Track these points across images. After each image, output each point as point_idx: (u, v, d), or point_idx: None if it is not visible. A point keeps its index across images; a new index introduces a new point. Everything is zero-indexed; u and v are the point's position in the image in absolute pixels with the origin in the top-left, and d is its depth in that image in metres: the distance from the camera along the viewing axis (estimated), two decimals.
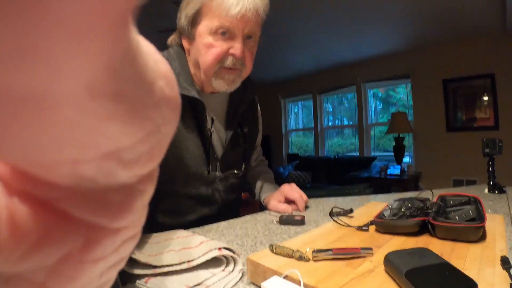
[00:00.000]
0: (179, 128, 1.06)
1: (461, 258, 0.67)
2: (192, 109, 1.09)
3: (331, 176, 6.60)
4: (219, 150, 1.20)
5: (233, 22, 0.98)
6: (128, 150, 0.14)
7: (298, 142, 8.76)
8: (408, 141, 6.05)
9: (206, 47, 1.01)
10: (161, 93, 0.14)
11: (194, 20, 1.02)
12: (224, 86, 1.08)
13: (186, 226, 1.03)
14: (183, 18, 1.03)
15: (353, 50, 6.24)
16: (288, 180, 6.86)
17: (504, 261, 0.63)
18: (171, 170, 1.09)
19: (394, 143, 5.68)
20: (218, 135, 1.21)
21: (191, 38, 1.05)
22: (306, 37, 5.87)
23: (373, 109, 7.07)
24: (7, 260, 0.13)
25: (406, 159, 6.11)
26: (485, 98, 5.08)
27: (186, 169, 1.11)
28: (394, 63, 6.14)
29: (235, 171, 1.24)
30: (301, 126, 8.82)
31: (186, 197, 1.15)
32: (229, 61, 1.03)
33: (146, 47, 0.14)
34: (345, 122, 7.84)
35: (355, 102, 7.04)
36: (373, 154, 6.83)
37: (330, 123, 8.06)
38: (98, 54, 0.10)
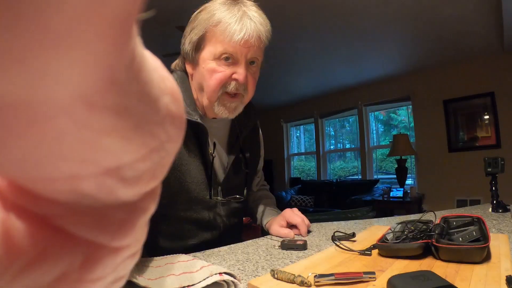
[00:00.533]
0: (181, 152, 1.06)
1: (466, 279, 0.66)
2: (194, 134, 1.10)
3: (333, 200, 6.56)
4: (220, 174, 1.20)
5: (236, 48, 1.00)
6: (130, 167, 0.13)
7: (300, 166, 8.75)
8: (410, 163, 6.04)
9: (210, 72, 1.01)
10: (166, 110, 0.14)
11: (198, 46, 1.03)
12: (226, 113, 1.08)
13: (187, 250, 1.02)
14: (187, 44, 1.05)
15: (354, 74, 6.30)
16: (290, 204, 6.83)
17: (509, 281, 0.62)
18: (173, 193, 1.08)
19: (396, 165, 5.66)
20: (220, 160, 1.20)
21: (195, 63, 1.06)
22: (307, 61, 5.94)
23: (374, 131, 7.08)
24: (1, 278, 0.12)
25: (409, 181, 6.08)
26: (486, 116, 5.09)
27: (188, 193, 1.10)
28: (394, 86, 6.19)
29: (237, 196, 1.22)
30: (303, 150, 8.82)
31: (187, 221, 1.14)
32: (232, 86, 1.04)
33: (152, 62, 0.14)
34: (347, 146, 7.84)
35: (356, 125, 7.06)
36: (375, 177, 6.80)
37: (332, 147, 8.06)
38: (96, 65, 0.10)
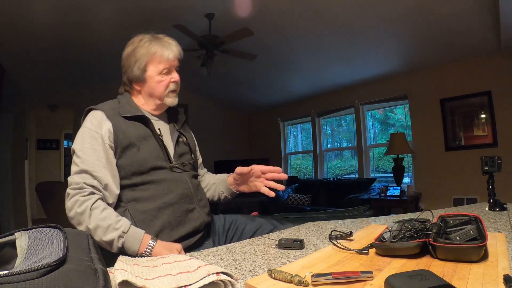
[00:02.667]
0: (136, 137, 1.46)
1: (463, 279, 0.66)
2: (143, 123, 1.52)
3: (330, 199, 6.56)
4: (170, 148, 1.58)
5: (170, 63, 1.55)
6: None
7: (297, 164, 8.75)
8: (407, 161, 6.04)
9: (158, 83, 1.54)
10: None
11: (144, 69, 1.53)
12: (172, 101, 1.60)
13: (170, 206, 1.43)
14: (136, 70, 1.53)
15: (351, 73, 6.31)
16: (287, 203, 6.83)
17: (507, 279, 0.62)
18: (138, 165, 1.43)
19: (393, 164, 5.66)
20: (167, 140, 1.60)
21: (143, 81, 1.55)
22: (303, 60, 5.95)
23: (371, 130, 7.09)
24: None
25: (406, 180, 6.09)
26: (483, 115, 5.10)
27: (148, 162, 1.45)
28: (391, 85, 6.19)
29: (187, 160, 1.63)
30: (300, 149, 8.83)
31: (158, 182, 1.45)
32: (172, 86, 1.58)
33: None
34: (344, 144, 7.85)
35: (353, 124, 7.06)
36: (372, 175, 6.81)
37: (329, 146, 8.06)
38: None
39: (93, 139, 1.40)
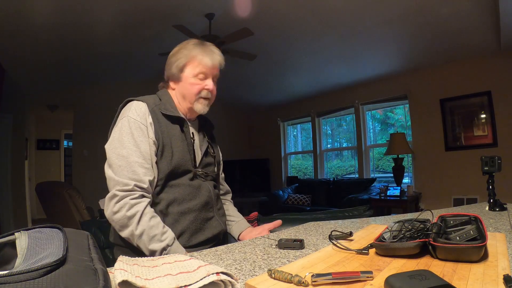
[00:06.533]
0: (173, 139, 1.47)
1: (463, 279, 0.66)
2: (179, 124, 1.54)
3: (330, 199, 6.56)
4: (198, 156, 1.61)
5: (208, 70, 1.55)
6: None
7: (297, 165, 8.75)
8: (407, 161, 6.04)
9: (191, 85, 1.54)
10: None
11: (182, 69, 1.55)
12: (201, 109, 1.59)
13: (192, 212, 1.45)
14: (173, 68, 1.56)
15: (351, 73, 6.31)
16: (287, 203, 6.83)
17: (507, 279, 0.62)
18: (172, 166, 1.44)
19: (393, 164, 5.66)
20: (197, 147, 1.62)
21: (179, 80, 1.57)
22: (304, 60, 5.95)
23: (371, 130, 7.09)
24: None
25: (406, 180, 6.09)
26: (483, 115, 5.10)
27: (180, 166, 1.47)
28: (391, 85, 6.19)
29: (210, 171, 1.65)
30: (300, 149, 8.83)
31: (184, 185, 1.48)
32: (204, 93, 1.56)
33: None
34: (344, 144, 7.84)
35: (353, 124, 7.07)
36: (372, 175, 6.80)
37: (329, 146, 8.07)
38: None
39: (140, 130, 1.39)
